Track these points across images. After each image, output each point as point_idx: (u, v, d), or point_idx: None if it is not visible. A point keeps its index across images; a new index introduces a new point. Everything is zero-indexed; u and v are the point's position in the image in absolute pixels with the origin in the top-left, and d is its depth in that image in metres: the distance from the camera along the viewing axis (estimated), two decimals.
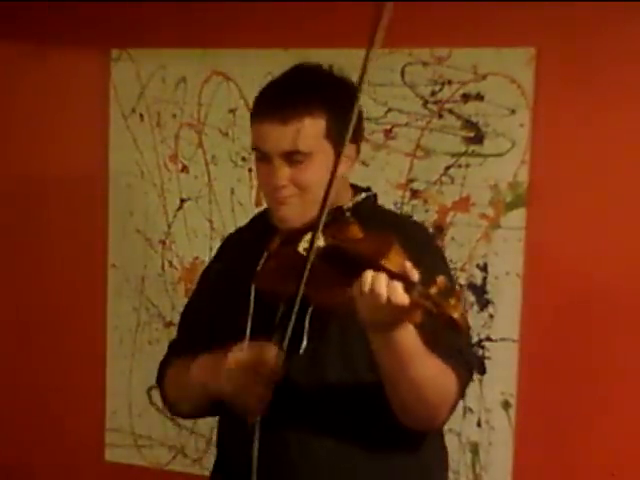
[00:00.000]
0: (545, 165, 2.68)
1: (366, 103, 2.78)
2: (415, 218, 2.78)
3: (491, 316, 2.74)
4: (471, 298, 2.75)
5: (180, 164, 3.07)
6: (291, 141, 1.82)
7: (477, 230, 2.74)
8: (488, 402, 2.75)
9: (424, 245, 1.89)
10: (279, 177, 1.84)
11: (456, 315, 1.51)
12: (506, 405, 2.74)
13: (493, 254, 2.73)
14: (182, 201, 3.08)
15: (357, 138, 1.90)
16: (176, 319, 3.05)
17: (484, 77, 2.70)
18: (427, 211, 2.78)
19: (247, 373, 1.77)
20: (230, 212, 2.99)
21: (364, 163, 2.79)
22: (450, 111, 2.74)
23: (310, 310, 1.80)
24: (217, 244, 2.32)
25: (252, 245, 1.92)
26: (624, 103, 2.60)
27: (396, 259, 1.61)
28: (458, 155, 2.74)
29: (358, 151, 1.93)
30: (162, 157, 3.10)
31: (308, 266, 1.70)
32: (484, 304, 2.74)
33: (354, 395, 1.83)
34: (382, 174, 2.81)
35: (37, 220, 3.31)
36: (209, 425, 2.92)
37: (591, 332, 2.67)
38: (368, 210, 1.94)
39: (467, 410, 2.77)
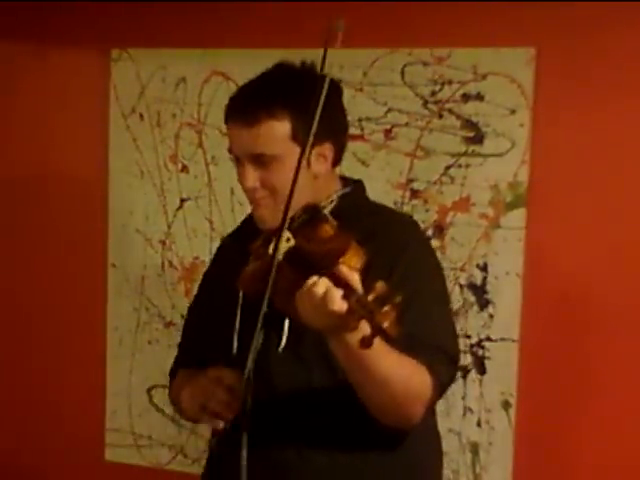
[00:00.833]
0: (545, 165, 2.68)
1: (366, 103, 2.80)
2: (414, 216, 2.79)
3: (491, 316, 2.74)
4: (471, 298, 2.75)
5: (180, 164, 3.07)
6: (256, 144, 1.84)
7: (477, 230, 2.74)
8: (488, 402, 2.75)
9: (403, 245, 1.87)
10: (248, 179, 1.87)
11: (385, 324, 1.50)
12: (506, 405, 2.74)
13: (493, 254, 2.73)
14: (182, 201, 3.08)
15: (333, 135, 1.89)
16: (176, 319, 3.08)
17: (484, 77, 2.70)
18: (427, 211, 2.78)
19: (205, 396, 1.82)
20: (230, 212, 2.99)
21: (364, 163, 2.80)
22: (450, 111, 2.74)
23: None
24: (217, 244, 2.33)
25: (242, 247, 1.92)
26: (624, 103, 2.60)
27: (351, 261, 1.63)
28: (458, 155, 2.74)
29: (338, 148, 1.92)
30: (162, 157, 3.10)
31: (273, 271, 1.70)
32: (484, 304, 2.74)
33: (334, 394, 1.83)
34: (382, 174, 2.82)
35: (37, 220, 3.31)
36: None
37: (591, 332, 2.67)
38: (349, 207, 1.93)
39: (467, 410, 2.77)
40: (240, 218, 2.16)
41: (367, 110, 2.82)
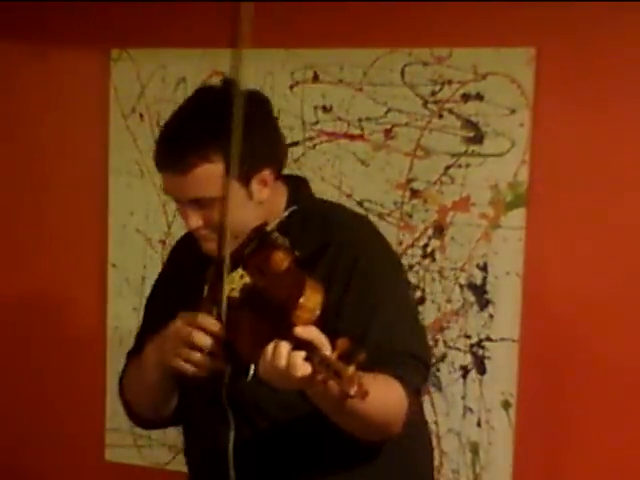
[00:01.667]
0: (545, 165, 2.68)
1: (366, 103, 2.81)
2: (414, 216, 2.79)
3: (491, 316, 2.74)
4: (471, 298, 2.75)
5: None
6: (193, 190, 1.79)
7: (477, 230, 2.74)
8: (488, 402, 2.75)
9: (356, 254, 1.82)
10: (191, 222, 1.83)
11: (352, 391, 1.46)
12: (506, 405, 2.74)
13: (493, 254, 2.73)
14: None
15: (270, 157, 1.83)
16: None
17: (484, 77, 2.70)
18: (427, 211, 2.78)
19: (180, 337, 1.76)
20: None
21: (364, 163, 2.80)
22: (450, 111, 2.74)
23: None
24: None
25: (198, 264, 1.88)
26: (624, 103, 2.60)
27: (310, 301, 1.60)
28: (458, 155, 2.74)
29: (278, 166, 1.86)
30: None
31: (223, 318, 1.69)
32: (484, 304, 2.74)
33: (309, 412, 1.76)
34: (382, 174, 2.82)
35: (37, 220, 3.31)
36: None
37: (591, 332, 2.67)
38: (298, 224, 1.87)
39: (467, 410, 2.77)
40: None
41: (367, 110, 2.82)
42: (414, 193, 2.80)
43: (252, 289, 1.71)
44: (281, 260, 1.71)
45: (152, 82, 3.09)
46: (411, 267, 2.79)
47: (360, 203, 2.81)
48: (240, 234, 1.79)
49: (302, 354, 1.52)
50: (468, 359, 2.76)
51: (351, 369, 1.47)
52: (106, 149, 3.17)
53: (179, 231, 3.09)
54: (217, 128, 1.74)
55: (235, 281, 1.74)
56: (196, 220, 1.82)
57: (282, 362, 1.53)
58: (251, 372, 1.73)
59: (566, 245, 2.68)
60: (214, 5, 2.96)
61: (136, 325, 3.15)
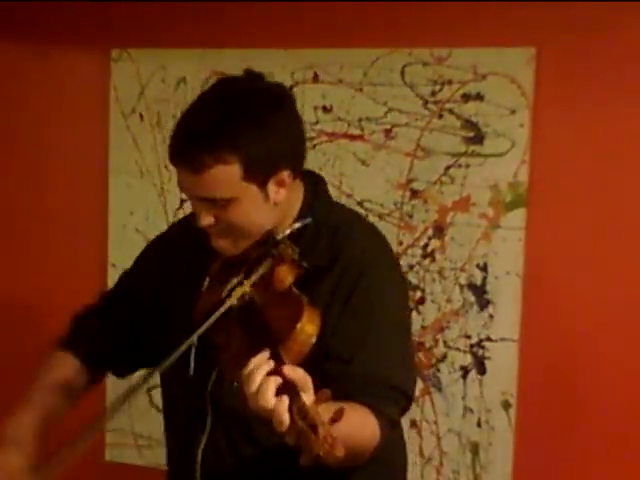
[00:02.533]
0: (545, 165, 2.68)
1: (366, 103, 2.81)
2: (414, 217, 2.79)
3: (491, 316, 2.74)
4: (471, 298, 2.75)
5: None
6: (206, 190, 1.71)
7: (477, 230, 2.74)
8: (488, 402, 2.75)
9: (362, 269, 1.77)
10: (203, 220, 1.75)
11: (322, 452, 1.38)
12: (506, 405, 2.74)
13: (493, 254, 2.73)
14: (182, 201, 3.08)
15: (289, 158, 1.75)
16: None
17: (484, 77, 2.70)
18: (427, 211, 2.78)
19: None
20: None
21: (364, 163, 2.80)
22: (450, 111, 2.74)
23: None
24: None
25: (200, 252, 1.84)
26: (624, 103, 2.60)
27: (307, 327, 1.56)
28: (458, 155, 2.74)
29: (297, 166, 1.79)
30: (162, 157, 3.09)
31: (200, 330, 1.65)
32: (484, 304, 2.74)
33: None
34: (382, 174, 2.82)
35: (37, 220, 3.31)
36: None
37: (591, 332, 2.67)
38: (310, 234, 1.81)
39: (467, 410, 2.77)
40: None
41: (367, 110, 2.82)
42: (414, 193, 2.80)
43: (249, 303, 1.67)
44: (285, 275, 1.68)
45: (152, 82, 3.09)
46: (411, 267, 2.79)
47: (360, 203, 2.81)
48: (254, 236, 1.76)
49: (287, 403, 1.43)
50: (468, 359, 2.76)
51: (327, 428, 1.39)
52: (106, 149, 3.17)
53: None
54: (234, 127, 1.69)
55: (235, 287, 1.70)
56: (208, 219, 1.74)
57: (268, 404, 1.45)
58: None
59: (566, 245, 2.68)
60: (214, 5, 2.97)
61: None
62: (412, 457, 2.69)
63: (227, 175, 1.69)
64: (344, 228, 1.84)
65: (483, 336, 2.75)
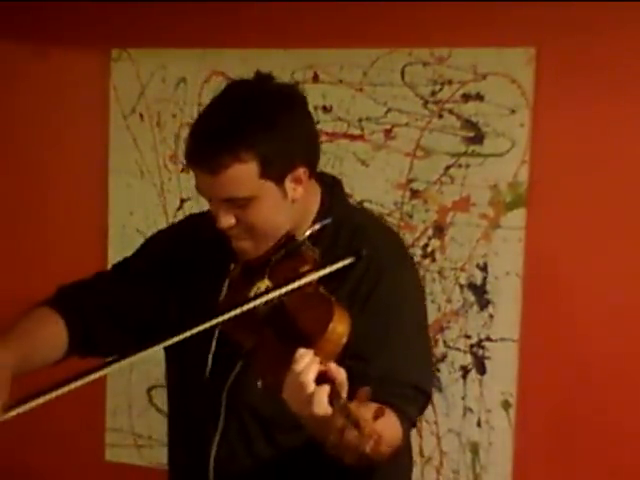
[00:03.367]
0: (545, 165, 2.68)
1: (366, 103, 2.81)
2: (414, 217, 2.79)
3: (491, 316, 2.74)
4: (471, 298, 2.75)
5: (180, 164, 3.07)
6: (224, 191, 1.73)
7: (477, 230, 2.74)
8: (488, 402, 2.75)
9: (382, 269, 1.79)
10: (222, 221, 1.76)
11: (368, 449, 1.40)
12: (506, 405, 2.74)
13: (493, 254, 2.73)
14: (182, 201, 3.08)
15: (305, 155, 1.78)
16: None
17: (484, 77, 2.70)
18: (427, 211, 2.78)
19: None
20: None
21: (364, 163, 2.80)
22: (450, 111, 2.74)
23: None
24: None
25: (218, 247, 1.84)
26: (624, 103, 2.60)
27: (337, 328, 1.57)
28: (458, 155, 2.74)
29: (313, 164, 1.81)
30: (162, 157, 3.10)
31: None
32: (484, 304, 2.74)
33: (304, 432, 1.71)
34: (382, 174, 2.82)
35: (37, 220, 3.31)
36: None
37: (591, 332, 2.67)
38: (329, 236, 1.83)
39: (467, 410, 2.77)
40: None
41: (367, 110, 2.82)
42: (414, 193, 2.80)
43: (278, 306, 1.68)
44: (309, 262, 1.70)
45: (152, 82, 3.09)
46: None
47: (360, 203, 2.81)
48: (272, 236, 1.77)
49: (327, 391, 1.48)
50: (468, 359, 2.76)
51: (371, 424, 1.42)
52: (106, 149, 3.17)
53: None
54: (250, 126, 1.71)
55: (260, 290, 1.72)
56: (227, 220, 1.76)
57: (308, 391, 1.50)
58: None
59: (566, 245, 2.68)
60: (214, 5, 2.97)
61: None
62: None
63: (245, 173, 1.71)
64: (362, 229, 1.86)
65: (483, 336, 2.75)
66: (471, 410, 2.77)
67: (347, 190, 2.82)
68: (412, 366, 1.78)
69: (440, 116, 2.76)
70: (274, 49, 2.87)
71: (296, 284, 1.68)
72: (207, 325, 1.70)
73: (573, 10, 2.58)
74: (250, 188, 1.72)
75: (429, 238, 2.78)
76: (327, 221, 1.84)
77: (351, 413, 1.43)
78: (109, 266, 3.14)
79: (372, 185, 2.83)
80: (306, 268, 1.70)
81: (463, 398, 2.78)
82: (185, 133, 3.02)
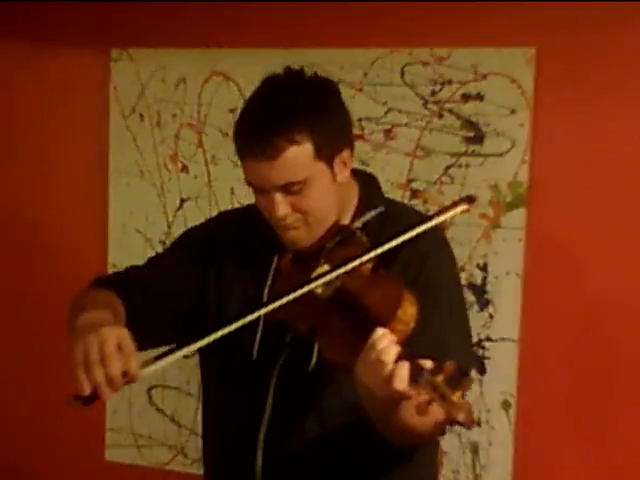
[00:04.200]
0: (545, 165, 2.68)
1: (366, 103, 2.81)
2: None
3: (491, 316, 2.74)
4: (471, 298, 2.75)
5: (180, 164, 3.07)
6: (283, 175, 1.76)
7: (477, 230, 2.74)
8: (488, 402, 2.75)
9: (425, 253, 1.84)
10: (279, 209, 1.79)
11: (461, 418, 1.43)
12: (506, 405, 2.74)
13: (493, 254, 2.73)
14: (182, 201, 3.08)
15: (349, 139, 1.86)
16: None
17: (484, 77, 2.70)
18: (427, 211, 2.78)
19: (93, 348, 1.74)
20: None
21: (364, 163, 2.80)
22: (450, 111, 2.74)
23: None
24: None
25: (257, 241, 1.89)
26: (624, 103, 2.60)
27: (406, 313, 1.59)
28: (458, 155, 2.74)
29: (353, 149, 1.89)
30: (162, 157, 3.10)
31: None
32: (484, 304, 2.74)
33: (360, 417, 1.75)
34: (382, 174, 2.77)
35: (37, 220, 3.31)
36: None
37: (591, 332, 2.67)
38: (377, 225, 1.88)
39: None
40: None
41: (367, 110, 2.82)
42: (414, 193, 2.80)
43: (342, 289, 1.69)
44: (366, 261, 1.71)
45: (152, 82, 3.09)
46: None
47: None
48: (324, 221, 1.81)
49: (407, 367, 1.50)
50: None
51: (459, 394, 1.44)
52: (106, 149, 3.17)
53: (179, 231, 3.10)
54: (300, 108, 1.76)
55: (320, 275, 1.73)
56: (285, 208, 1.78)
57: (388, 368, 1.51)
58: (313, 360, 1.76)
59: (566, 245, 2.68)
60: (214, 5, 2.97)
61: None
62: None
63: (301, 155, 1.75)
64: (406, 218, 1.90)
65: (483, 336, 2.75)
66: None
67: None
68: (458, 347, 1.81)
69: (440, 116, 2.76)
70: (274, 49, 2.87)
71: (358, 262, 1.71)
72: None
73: (573, 10, 2.58)
74: (306, 170, 1.76)
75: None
76: (380, 209, 1.90)
77: (438, 387, 1.45)
78: (109, 266, 3.18)
79: None
80: (362, 253, 1.73)
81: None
82: (185, 133, 3.06)
